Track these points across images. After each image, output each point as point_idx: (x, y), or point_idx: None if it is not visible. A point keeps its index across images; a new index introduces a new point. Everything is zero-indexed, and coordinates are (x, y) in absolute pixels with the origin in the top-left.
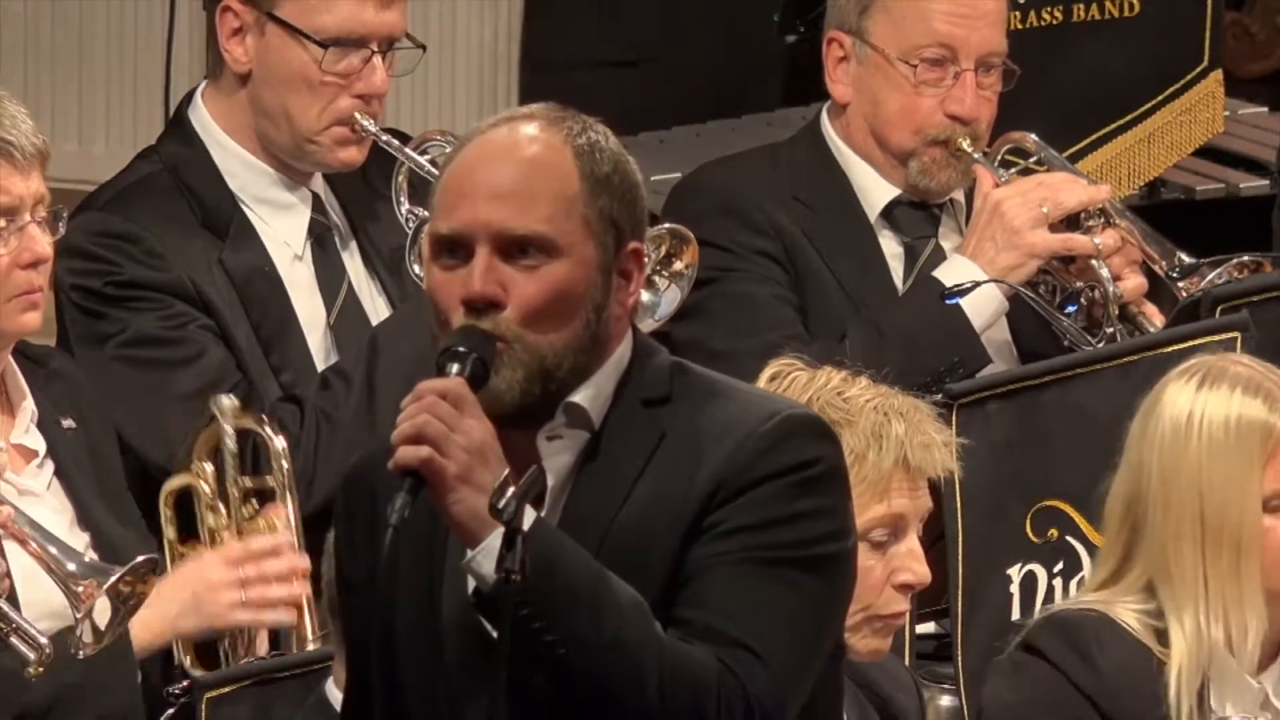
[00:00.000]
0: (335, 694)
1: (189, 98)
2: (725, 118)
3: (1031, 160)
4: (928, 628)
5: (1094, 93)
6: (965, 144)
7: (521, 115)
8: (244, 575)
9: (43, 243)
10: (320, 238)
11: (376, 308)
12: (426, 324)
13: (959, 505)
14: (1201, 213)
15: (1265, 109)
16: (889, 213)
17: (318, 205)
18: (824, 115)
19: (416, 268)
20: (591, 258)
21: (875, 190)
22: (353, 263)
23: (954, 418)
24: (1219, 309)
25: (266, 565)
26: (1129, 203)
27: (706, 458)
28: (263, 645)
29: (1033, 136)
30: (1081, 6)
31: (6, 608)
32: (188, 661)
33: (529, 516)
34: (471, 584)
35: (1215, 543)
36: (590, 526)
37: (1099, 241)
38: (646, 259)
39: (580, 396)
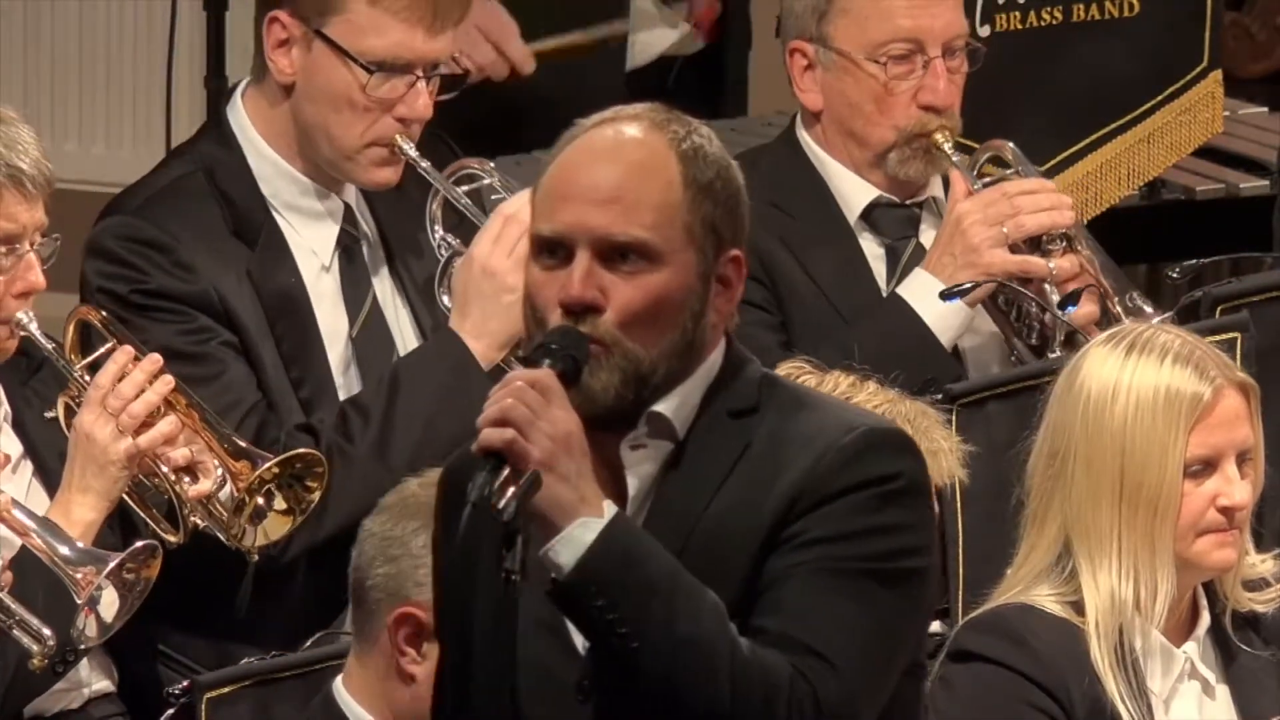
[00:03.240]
0: (343, 692)
1: (229, 96)
2: None
3: (1009, 172)
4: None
5: (1094, 93)
6: (943, 141)
7: (626, 116)
8: (109, 410)
9: (39, 273)
10: (348, 249)
11: (400, 322)
12: (448, 363)
13: (959, 506)
14: (1201, 213)
15: (1265, 109)
16: (868, 214)
17: (348, 216)
18: (797, 123)
19: (445, 299)
20: (691, 265)
21: (854, 193)
22: (380, 276)
23: (954, 419)
24: (1219, 309)
25: (120, 389)
26: (1128, 203)
27: (787, 468)
28: (205, 480)
29: (1011, 146)
30: (1081, 6)
31: (8, 600)
32: (160, 531)
33: (609, 509)
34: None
35: (1133, 502)
36: (672, 533)
37: (1053, 266)
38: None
39: (664, 406)
